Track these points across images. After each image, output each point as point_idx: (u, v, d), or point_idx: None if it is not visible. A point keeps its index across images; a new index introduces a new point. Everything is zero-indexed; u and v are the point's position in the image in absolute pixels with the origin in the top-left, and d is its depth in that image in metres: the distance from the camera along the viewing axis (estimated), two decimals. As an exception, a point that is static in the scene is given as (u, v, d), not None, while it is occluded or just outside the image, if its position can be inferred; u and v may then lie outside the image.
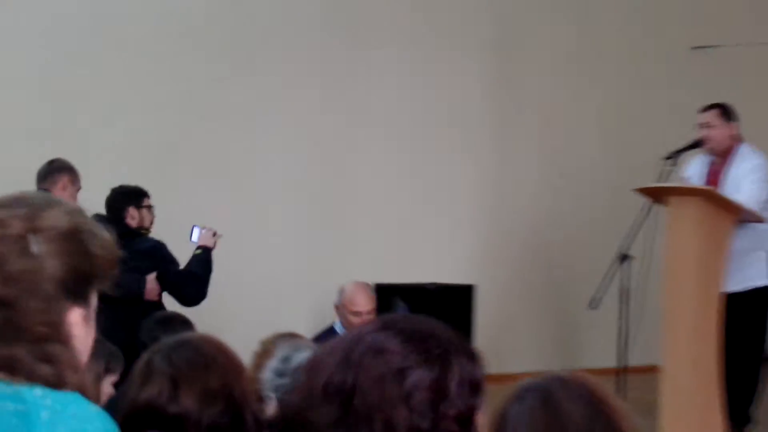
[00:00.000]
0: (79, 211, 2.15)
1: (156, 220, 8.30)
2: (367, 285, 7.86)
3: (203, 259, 8.31)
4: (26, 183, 7.82)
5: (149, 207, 8.33)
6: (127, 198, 8.26)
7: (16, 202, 2.12)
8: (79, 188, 8.21)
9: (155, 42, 10.15)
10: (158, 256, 8.04)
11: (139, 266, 7.49)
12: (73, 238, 2.09)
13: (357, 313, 7.48)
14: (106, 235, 2.14)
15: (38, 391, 2.01)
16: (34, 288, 2.03)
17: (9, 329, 2.03)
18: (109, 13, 9.99)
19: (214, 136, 10.40)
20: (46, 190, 7.86)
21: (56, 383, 2.02)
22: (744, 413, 8.39)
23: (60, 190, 7.96)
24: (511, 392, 2.42)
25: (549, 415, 2.34)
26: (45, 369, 2.02)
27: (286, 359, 4.13)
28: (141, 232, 8.22)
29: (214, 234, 8.45)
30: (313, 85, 10.87)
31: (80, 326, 2.10)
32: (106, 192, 8.13)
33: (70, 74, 9.81)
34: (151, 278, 7.87)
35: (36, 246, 2.04)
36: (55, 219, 2.09)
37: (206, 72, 10.37)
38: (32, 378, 2.01)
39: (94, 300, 2.15)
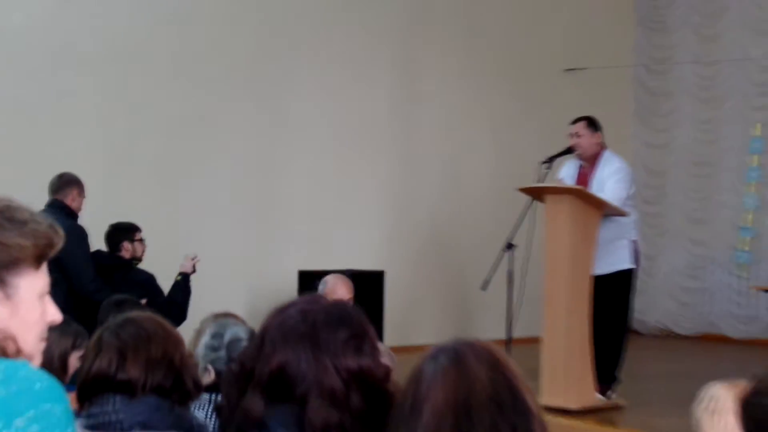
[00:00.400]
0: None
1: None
2: (345, 277, 7.55)
3: (182, 286, 8.56)
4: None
5: (141, 240, 8.57)
6: (121, 233, 8.54)
7: None
8: (84, 197, 8.36)
9: (105, 61, 10.08)
10: (149, 287, 8.24)
11: (135, 294, 7.56)
12: None
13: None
14: (29, 227, 2.14)
15: None
16: None
17: None
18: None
19: (169, 144, 10.43)
20: (58, 200, 8.13)
21: (12, 354, 2.07)
22: (611, 374, 8.43)
23: (71, 201, 8.20)
24: (425, 353, 2.36)
25: (459, 374, 2.27)
26: None
27: (216, 335, 4.18)
28: (133, 264, 8.48)
29: (193, 259, 8.65)
30: (251, 101, 10.88)
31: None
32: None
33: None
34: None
35: None
36: None
37: (165, 91, 10.37)
38: None
39: (16, 280, 2.12)
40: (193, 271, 8.63)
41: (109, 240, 8.55)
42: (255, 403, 2.51)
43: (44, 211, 7.88)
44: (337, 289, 7.32)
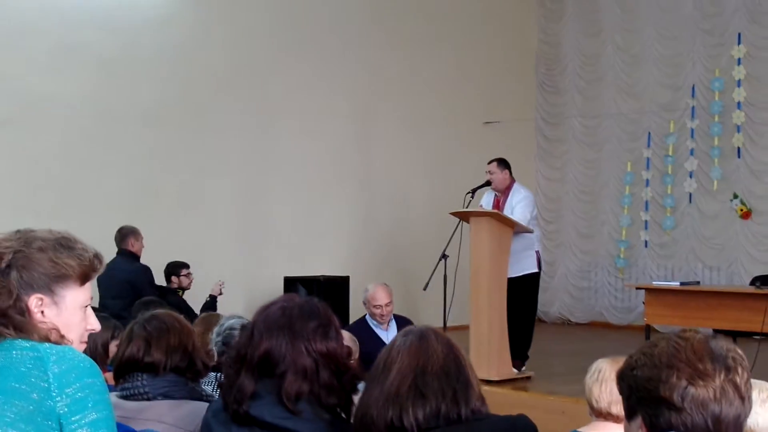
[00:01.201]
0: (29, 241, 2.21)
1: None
2: (385, 284, 7.11)
3: (210, 304, 8.97)
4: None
5: (187, 274, 9.13)
6: (171, 269, 9.14)
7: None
8: (140, 239, 8.59)
9: (119, 117, 10.02)
10: (183, 308, 8.32)
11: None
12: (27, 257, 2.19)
13: (378, 306, 6.93)
14: (77, 252, 2.22)
15: (46, 345, 2.13)
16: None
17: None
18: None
19: (179, 179, 10.33)
20: (122, 248, 8.41)
21: (55, 341, 2.15)
22: (523, 353, 8.46)
23: (131, 246, 8.48)
24: (399, 334, 2.50)
25: (421, 347, 2.40)
26: (38, 332, 2.15)
27: (221, 325, 4.22)
28: (178, 292, 9.00)
29: (221, 284, 9.15)
30: (243, 142, 10.80)
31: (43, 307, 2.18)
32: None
33: None
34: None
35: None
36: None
37: (177, 137, 10.26)
38: (32, 337, 2.14)
39: (63, 291, 2.21)
40: (220, 293, 9.12)
41: (165, 273, 9.07)
42: (248, 381, 2.53)
43: (116, 259, 8.21)
44: (377, 296, 7.01)
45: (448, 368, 2.37)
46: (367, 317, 7.13)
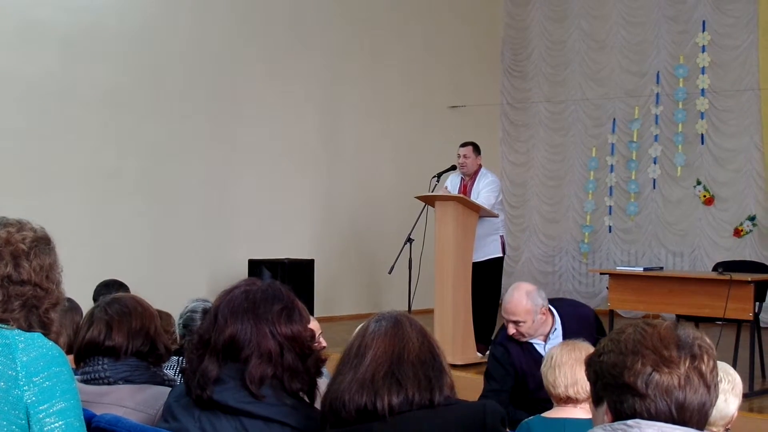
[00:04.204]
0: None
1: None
2: (521, 291, 4.80)
3: None
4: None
5: None
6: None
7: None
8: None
9: (96, 107, 9.92)
10: None
11: None
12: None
13: (507, 321, 4.83)
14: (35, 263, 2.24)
15: (15, 331, 2.13)
16: None
17: None
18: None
19: (148, 166, 10.23)
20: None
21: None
22: (487, 337, 8.39)
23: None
24: (366, 322, 2.51)
25: (396, 334, 2.42)
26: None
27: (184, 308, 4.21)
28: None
29: None
30: (209, 131, 10.69)
31: None
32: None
33: None
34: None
35: None
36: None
37: (147, 126, 10.18)
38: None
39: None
40: None
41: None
42: (212, 365, 2.51)
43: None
44: (505, 306, 4.88)
45: (424, 356, 2.39)
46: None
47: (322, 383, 2.57)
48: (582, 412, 3.43)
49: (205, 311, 3.94)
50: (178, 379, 3.39)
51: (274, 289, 2.62)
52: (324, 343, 3.72)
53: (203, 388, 2.49)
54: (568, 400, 3.48)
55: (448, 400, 2.39)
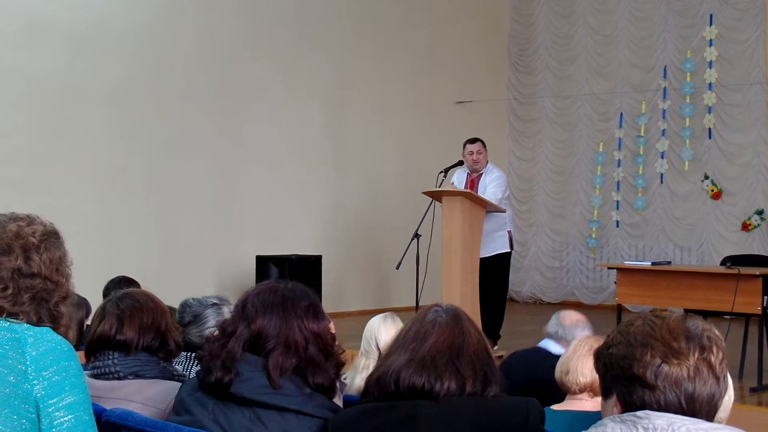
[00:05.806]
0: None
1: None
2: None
3: None
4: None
5: None
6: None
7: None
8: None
9: (104, 103, 9.92)
10: None
11: None
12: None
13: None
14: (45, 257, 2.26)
15: (24, 326, 2.14)
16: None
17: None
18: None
19: (157, 162, 10.23)
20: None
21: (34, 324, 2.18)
22: (495, 332, 8.52)
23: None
24: (424, 311, 2.60)
25: (458, 327, 2.51)
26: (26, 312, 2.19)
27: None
28: None
29: None
30: (216, 128, 10.70)
31: None
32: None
33: None
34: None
35: None
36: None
37: (155, 123, 10.20)
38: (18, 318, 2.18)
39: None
40: None
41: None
42: (237, 347, 2.56)
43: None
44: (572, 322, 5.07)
45: (481, 353, 2.49)
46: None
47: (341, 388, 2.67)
48: (592, 405, 3.44)
49: (186, 306, 3.98)
50: (188, 374, 3.41)
51: (299, 287, 2.70)
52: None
53: (228, 369, 2.52)
54: (574, 392, 3.51)
55: (496, 394, 2.48)
